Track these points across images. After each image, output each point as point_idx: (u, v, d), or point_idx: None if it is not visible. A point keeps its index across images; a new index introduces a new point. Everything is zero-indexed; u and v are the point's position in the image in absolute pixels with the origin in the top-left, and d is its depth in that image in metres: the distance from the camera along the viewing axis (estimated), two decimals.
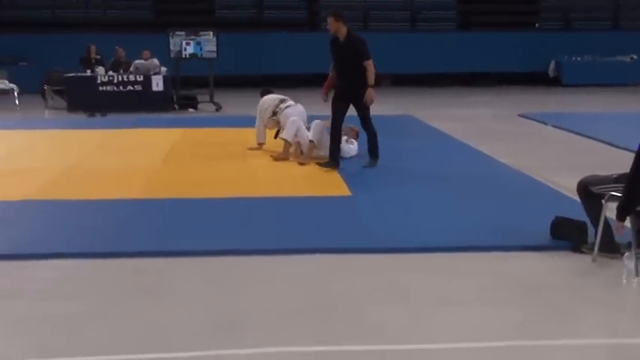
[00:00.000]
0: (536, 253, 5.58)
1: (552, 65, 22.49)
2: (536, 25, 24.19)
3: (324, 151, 9.18)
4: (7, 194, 7.48)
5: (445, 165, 9.30)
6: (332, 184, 8.07)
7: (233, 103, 16.61)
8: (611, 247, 5.32)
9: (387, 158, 9.58)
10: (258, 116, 10.02)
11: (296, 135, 9.33)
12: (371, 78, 8.57)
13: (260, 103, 10.09)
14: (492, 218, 6.53)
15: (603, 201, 5.27)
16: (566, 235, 5.71)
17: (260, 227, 6.30)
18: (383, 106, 16.91)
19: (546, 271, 5.25)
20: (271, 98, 10.07)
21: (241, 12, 23.11)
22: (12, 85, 16.69)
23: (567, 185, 7.22)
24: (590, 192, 5.43)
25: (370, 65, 8.58)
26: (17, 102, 16.40)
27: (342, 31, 8.70)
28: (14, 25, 21.47)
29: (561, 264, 5.36)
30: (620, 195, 5.11)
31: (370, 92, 8.61)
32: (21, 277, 5.13)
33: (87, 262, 5.40)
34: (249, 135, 10.42)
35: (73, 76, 15.85)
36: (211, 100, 16.18)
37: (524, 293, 4.84)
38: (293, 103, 9.97)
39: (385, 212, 6.81)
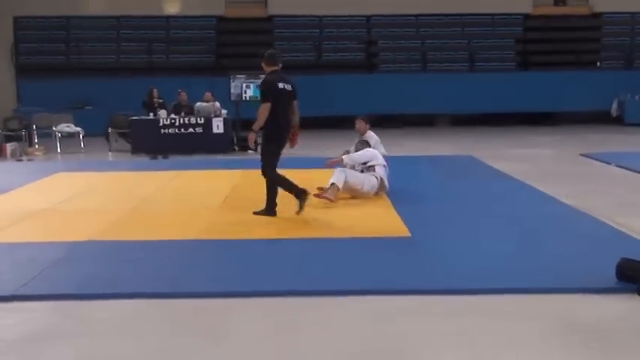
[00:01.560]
0: (602, 296, 5.45)
1: (615, 104, 22.18)
2: (598, 63, 23.92)
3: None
4: (72, 234, 7.64)
5: (507, 206, 9.18)
6: (391, 225, 8.03)
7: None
8: None
9: (447, 198, 9.54)
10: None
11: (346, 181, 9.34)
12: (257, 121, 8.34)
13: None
14: (557, 260, 6.40)
15: None
16: (633, 278, 5.57)
17: (320, 268, 6.29)
18: (441, 145, 16.93)
19: (612, 314, 5.11)
20: None
21: (300, 55, 23.42)
22: (77, 128, 17.16)
23: (633, 226, 7.06)
24: None
25: (261, 108, 8.30)
26: (82, 144, 16.84)
27: (266, 71, 8.55)
28: (81, 70, 22.19)
29: (628, 307, 5.22)
30: None
31: (250, 135, 8.50)
32: (85, 316, 5.21)
33: (149, 302, 5.46)
34: (307, 176, 10.44)
35: (136, 119, 16.21)
36: None
37: (590, 337, 4.71)
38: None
39: (446, 253, 6.74)
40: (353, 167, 9.66)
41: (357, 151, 10.07)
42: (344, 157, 9.90)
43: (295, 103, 8.69)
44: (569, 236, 7.42)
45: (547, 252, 6.72)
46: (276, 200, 8.52)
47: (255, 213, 8.50)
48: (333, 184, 9.16)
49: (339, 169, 9.38)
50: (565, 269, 6.09)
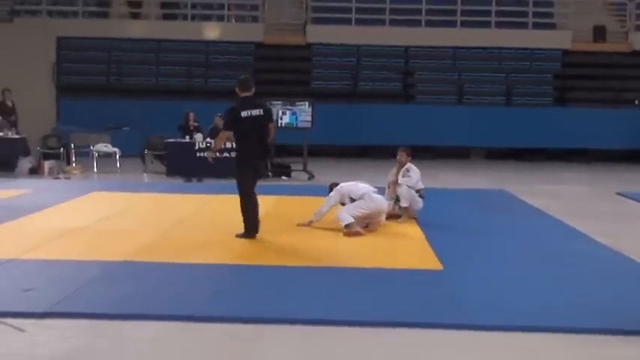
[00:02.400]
0: (635, 338, 5.38)
1: None
2: (636, 102, 23.73)
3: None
4: (108, 254, 7.74)
5: (540, 242, 9.11)
6: (423, 257, 8.02)
7: (326, 173, 16.78)
8: None
9: (480, 232, 9.51)
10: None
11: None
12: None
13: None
14: (589, 299, 6.34)
15: None
16: None
17: (352, 298, 6.29)
18: (475, 179, 16.86)
19: None
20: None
21: (337, 83, 23.55)
22: (114, 149, 17.36)
23: None
24: None
25: (220, 134, 9.20)
26: (119, 165, 17.04)
27: (239, 96, 8.89)
28: (120, 91, 22.52)
29: None
30: None
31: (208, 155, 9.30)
32: (117, 336, 5.27)
33: (181, 325, 5.49)
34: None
35: (172, 142, 16.37)
36: (304, 169, 16.41)
37: None
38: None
39: (478, 288, 6.70)
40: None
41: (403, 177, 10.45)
42: (401, 180, 10.35)
43: (271, 125, 9.08)
44: (603, 275, 7.35)
45: (580, 291, 6.65)
46: (257, 220, 8.87)
47: (237, 236, 8.81)
48: (347, 224, 9.25)
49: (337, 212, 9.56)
50: (598, 309, 6.02)
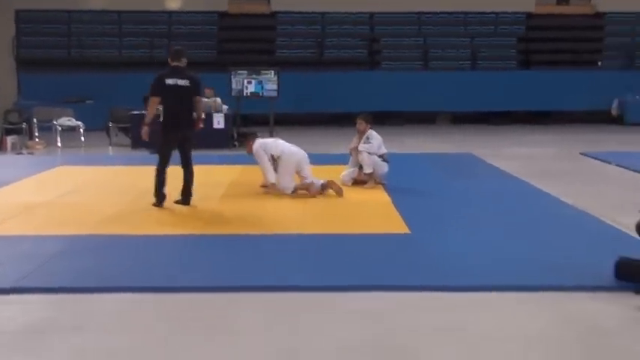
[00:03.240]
0: (600, 294, 5.46)
1: (615, 104, 22.16)
2: (599, 63, 23.91)
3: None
4: (72, 228, 7.66)
5: (506, 204, 9.19)
6: (391, 222, 8.05)
7: (292, 141, 16.68)
8: None
9: (448, 196, 9.55)
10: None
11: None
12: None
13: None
14: (555, 258, 6.41)
15: None
16: (631, 277, 5.57)
17: (319, 264, 6.31)
18: (443, 143, 16.92)
19: (610, 313, 5.12)
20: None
21: (302, 52, 23.40)
22: (78, 123, 17.12)
23: (632, 225, 7.06)
24: None
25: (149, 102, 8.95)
26: (83, 139, 16.82)
27: (170, 65, 8.91)
28: (82, 64, 22.17)
29: (625, 306, 5.22)
30: None
31: (142, 129, 8.97)
32: (83, 310, 5.22)
33: (147, 297, 5.47)
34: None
35: (137, 114, 16.17)
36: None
37: (587, 335, 4.73)
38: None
39: (446, 251, 6.74)
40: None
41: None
42: (361, 147, 10.40)
43: (197, 99, 9.00)
44: (568, 234, 7.44)
45: (545, 250, 6.73)
46: (190, 189, 9.01)
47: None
48: (292, 191, 9.67)
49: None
50: (563, 267, 6.11)
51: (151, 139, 9.05)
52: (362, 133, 10.55)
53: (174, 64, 8.86)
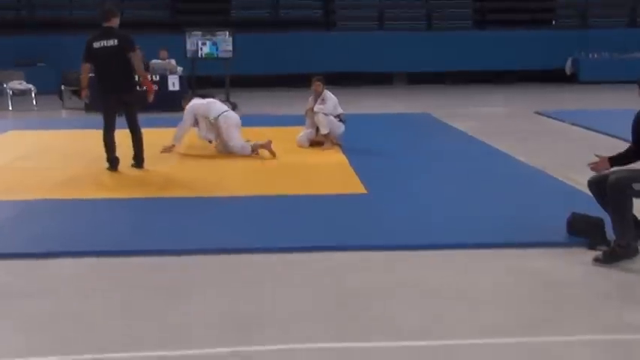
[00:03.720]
0: (553, 250, 5.54)
1: (569, 63, 22.40)
2: (553, 22, 24.09)
3: None
4: (25, 193, 7.54)
5: (462, 163, 9.26)
6: (348, 183, 8.07)
7: (249, 103, 16.62)
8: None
9: (404, 156, 9.60)
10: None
11: None
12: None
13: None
14: (509, 215, 6.49)
15: None
16: (583, 232, 5.67)
17: (276, 225, 6.29)
18: (400, 104, 16.96)
19: (562, 267, 5.21)
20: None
21: (257, 12, 23.16)
22: (29, 86, 16.80)
23: (585, 182, 7.17)
24: (631, 189, 5.26)
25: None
26: (35, 102, 16.51)
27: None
28: (31, 26, 21.65)
29: (578, 261, 5.32)
30: None
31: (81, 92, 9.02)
32: (38, 275, 5.16)
33: (103, 261, 5.41)
34: (263, 133, 10.48)
35: (90, 76, 15.87)
36: (227, 100, 16.18)
37: (541, 290, 4.81)
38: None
39: (402, 210, 6.78)
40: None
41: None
42: (316, 108, 10.37)
43: (131, 55, 8.59)
44: (522, 192, 7.53)
45: (500, 207, 6.81)
46: (142, 153, 8.92)
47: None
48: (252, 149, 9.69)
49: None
50: (517, 224, 6.18)
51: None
52: (318, 95, 10.52)
53: (105, 24, 8.53)
